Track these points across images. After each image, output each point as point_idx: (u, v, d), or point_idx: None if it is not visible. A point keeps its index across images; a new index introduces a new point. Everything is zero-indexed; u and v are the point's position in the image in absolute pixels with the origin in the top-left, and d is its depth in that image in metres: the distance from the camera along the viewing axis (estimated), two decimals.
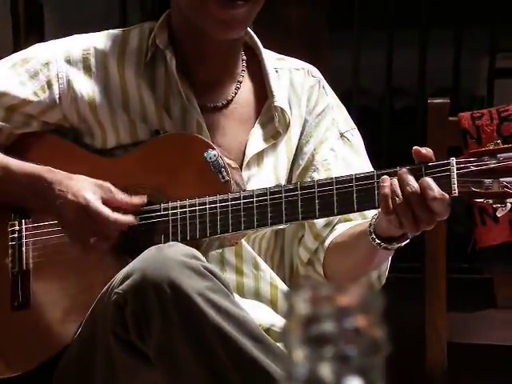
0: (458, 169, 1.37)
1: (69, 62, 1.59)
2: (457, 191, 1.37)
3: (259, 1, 1.52)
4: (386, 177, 1.39)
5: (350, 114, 1.69)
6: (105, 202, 1.48)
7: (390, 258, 1.54)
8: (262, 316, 1.54)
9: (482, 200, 1.39)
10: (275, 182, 1.56)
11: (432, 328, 1.81)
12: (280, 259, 1.62)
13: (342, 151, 1.61)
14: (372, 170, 1.61)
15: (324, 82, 1.65)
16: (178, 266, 1.32)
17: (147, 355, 1.36)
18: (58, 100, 1.58)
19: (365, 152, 1.64)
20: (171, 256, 1.34)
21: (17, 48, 2.67)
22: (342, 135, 1.62)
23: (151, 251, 1.36)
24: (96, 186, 1.50)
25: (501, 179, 1.36)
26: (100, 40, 1.61)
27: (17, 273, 1.56)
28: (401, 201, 1.35)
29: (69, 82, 1.58)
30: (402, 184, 1.36)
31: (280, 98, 1.58)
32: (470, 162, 1.38)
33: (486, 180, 1.37)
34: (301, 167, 1.60)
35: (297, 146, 1.60)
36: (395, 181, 1.37)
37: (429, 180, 1.36)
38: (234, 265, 1.55)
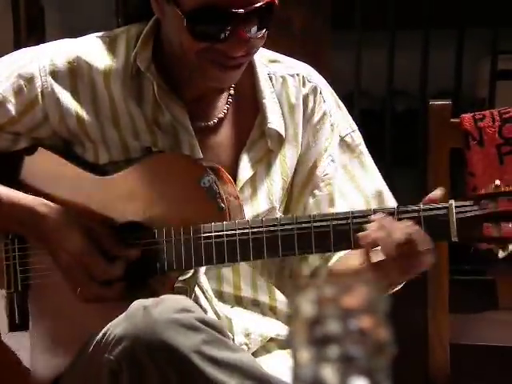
0: (457, 213, 1.34)
1: (54, 75, 1.49)
2: (457, 238, 1.34)
3: (254, 54, 1.46)
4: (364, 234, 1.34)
5: (351, 116, 1.66)
6: (100, 247, 1.45)
7: None
8: (267, 327, 1.53)
9: (481, 244, 1.37)
10: (269, 206, 1.52)
11: (434, 329, 1.81)
12: (279, 272, 1.59)
13: (342, 159, 1.57)
14: (376, 173, 1.59)
15: (322, 87, 1.57)
16: (169, 326, 1.28)
17: None
18: (44, 117, 1.51)
19: (365, 151, 1.60)
20: (161, 316, 1.29)
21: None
22: (341, 139, 1.58)
23: (139, 313, 1.30)
24: (91, 232, 1.45)
25: (502, 224, 1.34)
26: (86, 50, 1.51)
27: (12, 293, 1.53)
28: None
29: (55, 97, 1.49)
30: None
31: (273, 119, 1.52)
32: (469, 205, 1.35)
33: (486, 224, 1.34)
34: (301, 182, 1.56)
35: (297, 161, 1.55)
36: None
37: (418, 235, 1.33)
38: (232, 280, 1.53)
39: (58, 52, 1.52)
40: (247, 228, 1.40)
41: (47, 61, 1.51)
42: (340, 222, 1.38)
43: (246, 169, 1.51)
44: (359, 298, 0.56)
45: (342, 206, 1.54)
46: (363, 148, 1.60)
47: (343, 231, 1.38)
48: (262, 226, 1.40)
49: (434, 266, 1.81)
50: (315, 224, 1.38)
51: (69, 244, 1.44)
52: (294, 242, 1.39)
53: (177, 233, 1.43)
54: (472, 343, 1.92)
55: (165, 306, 1.31)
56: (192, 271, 1.47)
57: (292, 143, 1.55)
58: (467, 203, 1.35)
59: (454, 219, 1.34)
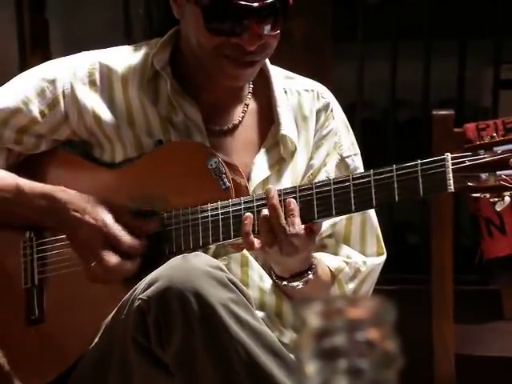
0: (453, 164, 1.37)
1: (74, 77, 1.59)
2: (452, 187, 1.37)
3: (268, 54, 1.53)
4: (248, 214, 1.43)
5: (353, 126, 1.69)
6: (120, 225, 1.50)
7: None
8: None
9: (479, 194, 1.39)
10: None
11: (439, 340, 1.80)
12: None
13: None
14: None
15: (333, 104, 1.65)
16: (203, 276, 1.34)
17: (166, 364, 1.37)
18: (65, 116, 1.59)
19: None
20: (197, 265, 1.36)
21: (23, 63, 2.68)
22: (342, 159, 1.63)
23: (177, 260, 1.38)
24: (112, 209, 1.51)
25: (497, 172, 1.36)
26: (106, 56, 1.61)
27: (30, 288, 1.57)
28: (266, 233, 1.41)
29: (75, 97, 1.58)
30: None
31: (286, 126, 1.58)
32: (466, 156, 1.37)
33: (483, 174, 1.37)
34: None
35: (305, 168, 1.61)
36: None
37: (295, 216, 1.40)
38: (240, 276, 1.55)
39: (79, 58, 1.62)
40: (251, 201, 1.45)
41: (69, 65, 1.61)
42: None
43: (259, 171, 1.57)
44: (366, 309, 0.56)
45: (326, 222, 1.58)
46: (361, 171, 1.64)
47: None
48: (265, 198, 1.44)
49: (439, 276, 1.81)
50: (316, 190, 1.44)
51: (89, 220, 1.49)
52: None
53: (183, 214, 1.49)
54: (477, 354, 1.92)
55: (202, 259, 1.39)
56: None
57: (303, 151, 1.60)
58: (463, 154, 1.38)
59: (450, 170, 1.37)
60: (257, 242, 1.42)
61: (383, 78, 2.84)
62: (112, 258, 1.47)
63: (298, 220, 1.41)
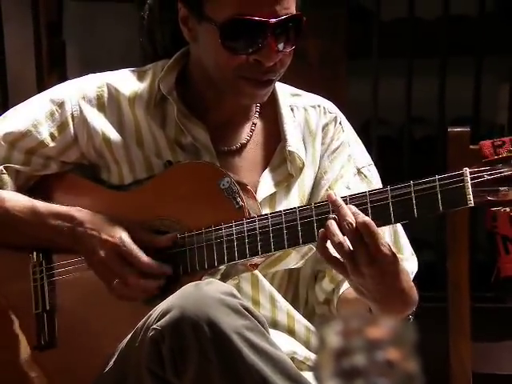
0: (472, 179, 1.37)
1: (83, 99, 1.59)
2: (472, 201, 1.37)
3: (281, 74, 1.53)
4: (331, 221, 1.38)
5: (369, 144, 1.69)
6: (137, 244, 1.50)
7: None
8: (283, 345, 1.53)
9: (499, 208, 1.39)
10: None
11: (456, 358, 1.79)
12: (294, 297, 1.62)
13: (359, 188, 1.59)
14: None
15: (341, 118, 1.64)
16: (216, 304, 1.33)
17: None
18: (74, 139, 1.59)
19: (380, 185, 1.62)
20: (210, 293, 1.35)
21: (40, 84, 2.70)
22: (359, 171, 1.62)
23: (189, 288, 1.37)
24: (129, 228, 1.51)
25: None
26: (114, 78, 1.61)
27: (41, 313, 1.56)
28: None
29: (83, 119, 1.58)
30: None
31: (293, 142, 1.57)
32: (484, 171, 1.38)
33: (502, 188, 1.37)
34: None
35: (313, 183, 1.60)
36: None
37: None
38: (251, 295, 1.55)
39: (87, 80, 1.63)
40: (266, 219, 1.45)
41: (77, 87, 1.62)
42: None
43: (265, 188, 1.57)
44: (386, 329, 0.56)
45: None
46: (379, 182, 1.64)
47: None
48: (281, 216, 1.45)
49: (456, 294, 1.80)
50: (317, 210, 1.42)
51: (107, 238, 1.50)
52: (314, 230, 1.43)
53: (197, 234, 1.49)
54: (495, 372, 1.91)
55: (214, 287, 1.38)
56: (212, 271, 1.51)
57: (310, 167, 1.60)
58: (481, 169, 1.38)
59: (469, 185, 1.37)
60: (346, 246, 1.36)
61: (398, 95, 2.84)
62: (134, 275, 1.48)
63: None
